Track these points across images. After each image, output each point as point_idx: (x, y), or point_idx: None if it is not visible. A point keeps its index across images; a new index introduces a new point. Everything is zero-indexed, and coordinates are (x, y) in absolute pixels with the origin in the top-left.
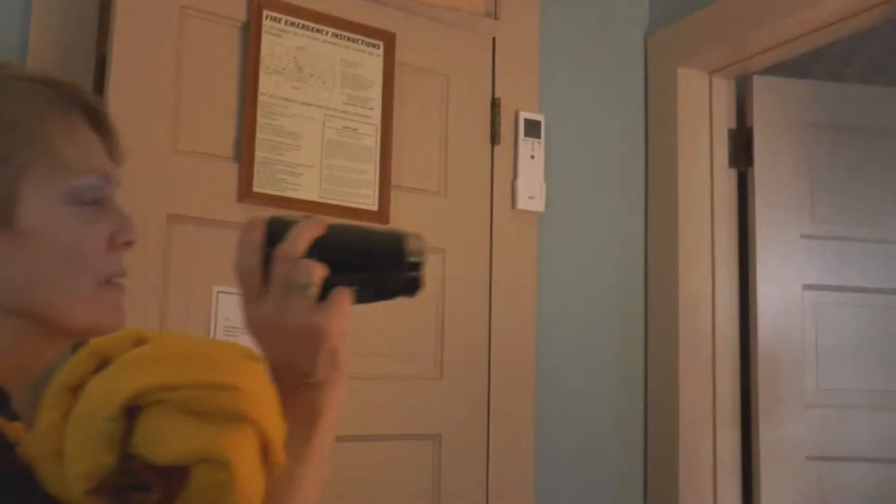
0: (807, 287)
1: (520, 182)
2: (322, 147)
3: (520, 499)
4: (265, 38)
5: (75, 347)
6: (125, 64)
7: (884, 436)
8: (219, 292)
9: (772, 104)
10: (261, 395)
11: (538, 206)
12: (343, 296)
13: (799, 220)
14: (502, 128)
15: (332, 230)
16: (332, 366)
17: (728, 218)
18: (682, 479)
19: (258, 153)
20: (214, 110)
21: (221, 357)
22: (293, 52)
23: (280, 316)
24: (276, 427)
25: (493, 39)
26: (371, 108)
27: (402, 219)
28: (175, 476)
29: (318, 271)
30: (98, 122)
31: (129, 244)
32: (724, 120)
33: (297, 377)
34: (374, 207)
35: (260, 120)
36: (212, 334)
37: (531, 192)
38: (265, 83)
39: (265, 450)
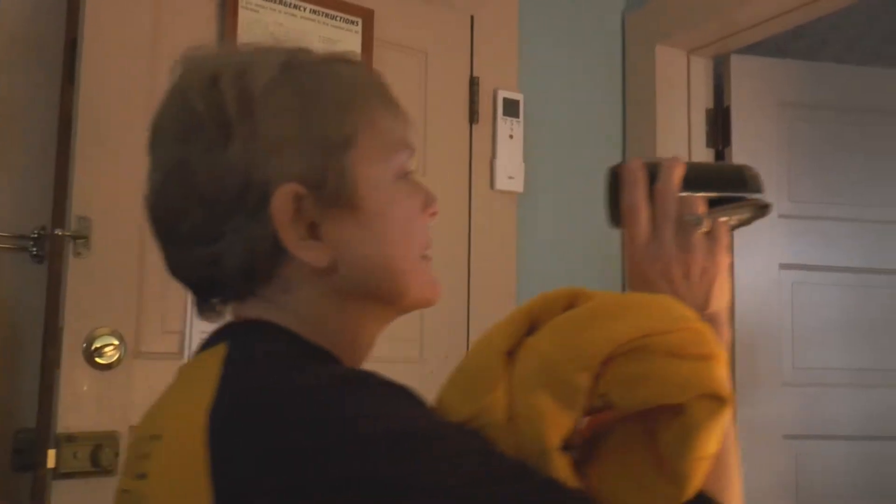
0: (784, 266)
1: (498, 162)
2: None
3: None
4: (242, 13)
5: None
6: (97, 44)
7: (860, 414)
8: None
9: (749, 84)
10: (711, 334)
11: (517, 186)
12: (724, 227)
13: (776, 200)
14: (481, 106)
15: (690, 167)
16: (720, 297)
17: None
18: None
19: None
20: None
21: (667, 304)
22: (271, 27)
23: (680, 251)
24: (721, 361)
25: (472, 17)
26: None
27: None
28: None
29: (702, 206)
30: (391, 96)
31: (435, 215)
32: (702, 99)
33: None
34: None
35: None
36: (188, 317)
37: (510, 171)
38: None
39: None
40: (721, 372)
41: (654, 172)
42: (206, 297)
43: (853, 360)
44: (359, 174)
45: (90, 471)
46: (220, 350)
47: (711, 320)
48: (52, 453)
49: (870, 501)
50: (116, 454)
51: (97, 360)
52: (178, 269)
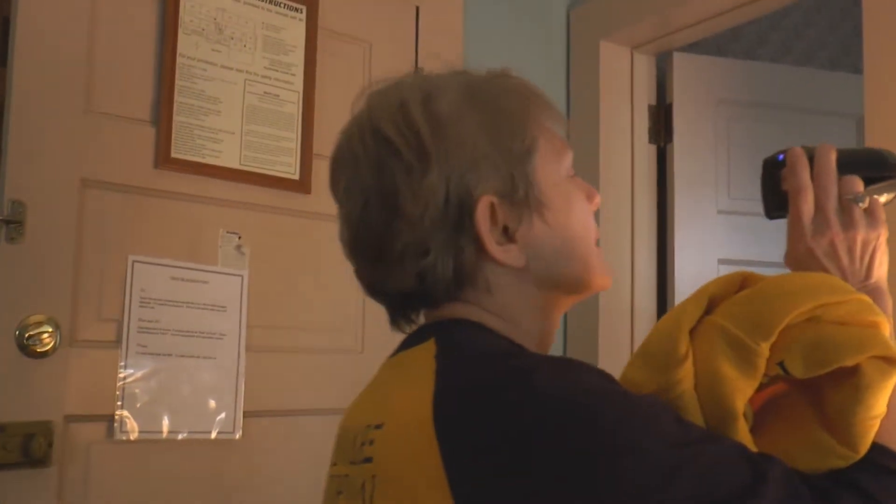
0: (722, 261)
1: None
2: (243, 113)
3: None
4: None
5: None
6: (32, 24)
7: None
8: (134, 262)
9: (691, 81)
10: (867, 301)
11: None
12: (878, 204)
13: (715, 196)
14: None
15: (840, 152)
16: (881, 268)
17: (648, 193)
18: None
19: (177, 117)
20: (130, 71)
21: (831, 280)
22: (213, 12)
23: (842, 227)
24: (887, 328)
25: (417, 8)
26: (293, 75)
27: (324, 188)
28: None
29: (860, 185)
30: (551, 102)
31: (597, 205)
32: (645, 96)
33: (854, 286)
34: (296, 176)
35: (178, 83)
36: (126, 305)
37: None
38: (184, 44)
39: None
40: (887, 336)
41: (810, 157)
42: (407, 308)
43: None
44: (541, 178)
45: (21, 461)
46: (430, 346)
47: (873, 290)
48: None
49: None
50: (50, 444)
51: (31, 347)
52: (385, 286)
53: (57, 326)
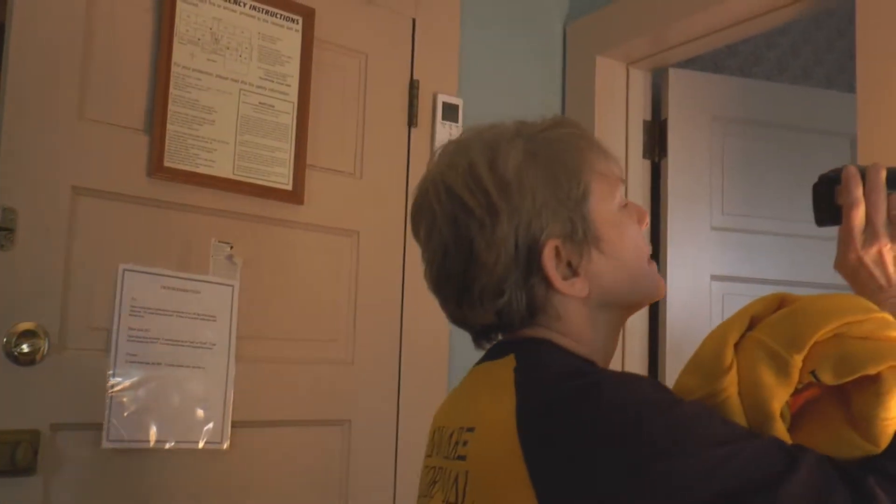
0: (715, 278)
1: None
2: (237, 123)
3: None
4: (180, 6)
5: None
6: (27, 30)
7: None
8: (125, 270)
9: (686, 97)
10: (888, 319)
11: None
12: None
13: (709, 212)
14: (420, 110)
15: (889, 170)
16: None
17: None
18: None
19: (170, 126)
20: (125, 79)
21: (856, 300)
22: (209, 22)
23: (889, 238)
24: None
25: (414, 20)
26: (288, 85)
27: (317, 199)
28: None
29: None
30: (599, 143)
31: (646, 224)
32: (640, 111)
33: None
34: (289, 187)
35: (173, 91)
36: (116, 314)
37: None
38: (179, 53)
39: None
40: None
41: (863, 174)
42: (488, 334)
43: None
44: (597, 216)
45: (6, 470)
46: (510, 361)
47: None
48: None
49: None
50: (36, 452)
51: (18, 355)
52: (467, 320)
53: (46, 334)
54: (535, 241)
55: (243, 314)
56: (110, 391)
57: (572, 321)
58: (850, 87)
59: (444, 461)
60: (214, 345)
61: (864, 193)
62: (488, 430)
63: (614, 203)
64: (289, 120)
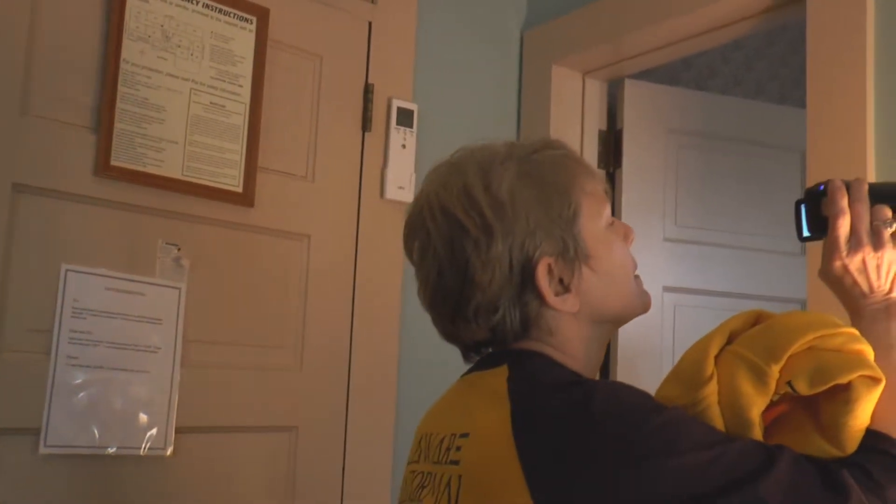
0: (667, 289)
1: (389, 171)
2: (187, 122)
3: (376, 494)
4: (130, 2)
5: None
6: None
7: None
8: (68, 270)
9: (642, 108)
10: (855, 333)
11: (407, 196)
12: None
13: (662, 223)
14: (374, 115)
15: (871, 185)
16: None
17: None
18: None
19: (118, 124)
20: (71, 75)
21: (825, 317)
22: (160, 19)
23: (872, 247)
24: (870, 354)
25: (370, 23)
26: (240, 86)
27: (268, 202)
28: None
29: (889, 212)
30: (587, 164)
31: (632, 241)
32: (596, 121)
33: (878, 301)
34: (239, 189)
35: (121, 89)
36: (57, 315)
37: (401, 181)
38: (129, 50)
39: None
40: (871, 360)
41: (847, 187)
42: (479, 349)
43: None
44: (586, 235)
45: None
46: (503, 371)
47: (891, 304)
48: None
49: None
50: None
51: None
52: (460, 337)
53: None
54: (529, 259)
55: (190, 318)
56: (50, 394)
57: (563, 335)
58: (804, 103)
59: (434, 466)
60: (159, 348)
61: (849, 204)
62: (483, 436)
63: (602, 221)
64: (240, 121)
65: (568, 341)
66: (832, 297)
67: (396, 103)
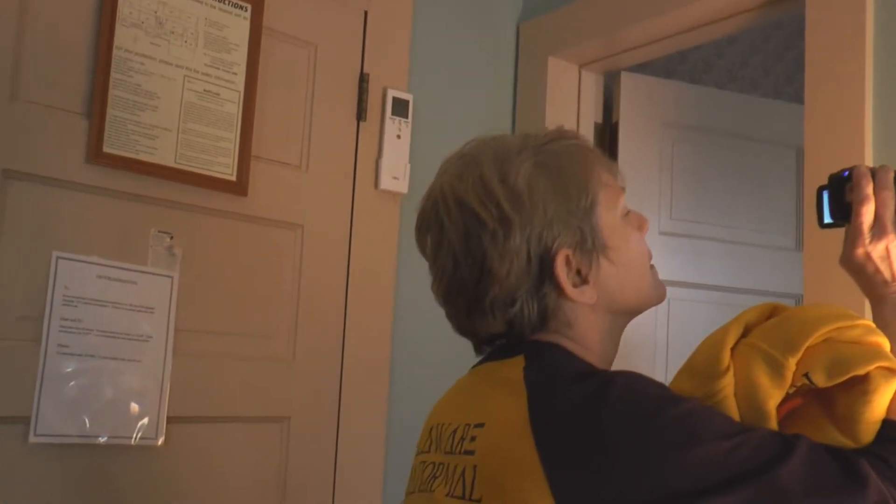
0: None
1: (384, 161)
2: (181, 110)
3: (368, 485)
4: None
5: None
6: None
7: None
8: (59, 258)
9: (637, 101)
10: (871, 325)
11: (402, 187)
12: None
13: (657, 217)
14: (369, 104)
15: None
16: None
17: None
18: None
19: (111, 111)
20: (64, 60)
21: (842, 309)
22: (154, 5)
23: None
24: (887, 346)
25: (366, 13)
26: (235, 73)
27: (261, 191)
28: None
29: None
30: (601, 154)
31: (647, 230)
32: (591, 113)
33: None
34: (233, 177)
35: (114, 75)
36: (48, 303)
37: (395, 172)
38: (122, 36)
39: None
40: (888, 352)
41: (872, 174)
42: (493, 343)
43: None
44: (603, 225)
45: None
46: (519, 361)
47: None
48: None
49: None
50: None
51: None
52: (476, 330)
53: None
54: (547, 251)
55: (182, 307)
56: (40, 383)
57: (581, 327)
58: (797, 98)
59: (446, 456)
60: (151, 337)
61: (874, 191)
62: (499, 425)
63: (618, 211)
64: (234, 109)
65: (585, 333)
66: (829, 293)
67: (392, 93)
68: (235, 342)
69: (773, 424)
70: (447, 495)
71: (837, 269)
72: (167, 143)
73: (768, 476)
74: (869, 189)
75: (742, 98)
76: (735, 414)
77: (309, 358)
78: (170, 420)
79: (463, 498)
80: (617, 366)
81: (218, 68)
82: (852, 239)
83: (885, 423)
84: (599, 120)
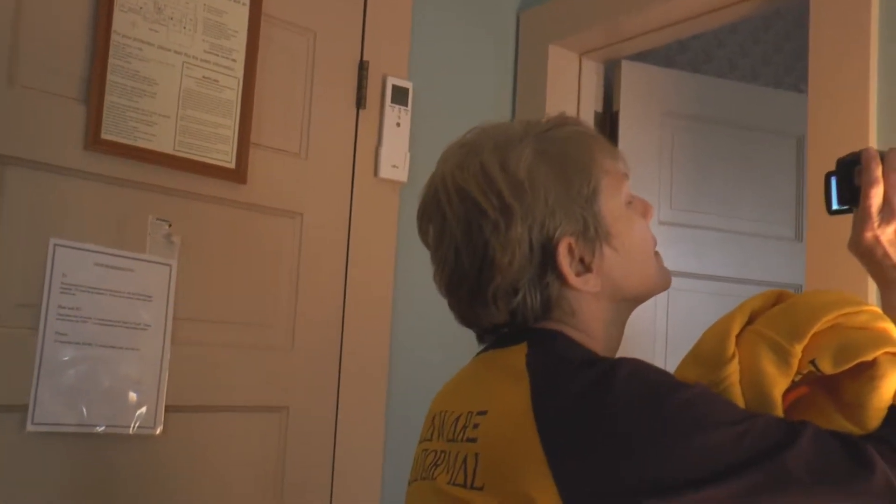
0: None
1: (383, 149)
2: (179, 96)
3: (367, 476)
4: None
5: None
6: None
7: None
8: (56, 245)
9: (638, 90)
10: (878, 311)
11: (401, 175)
12: None
13: (657, 206)
14: (369, 92)
15: None
16: None
17: None
18: None
19: (108, 97)
20: (61, 45)
21: (848, 295)
22: None
23: None
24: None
25: (365, 0)
26: (234, 60)
27: (260, 179)
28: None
29: None
30: (605, 140)
31: (651, 217)
32: (592, 102)
33: None
34: (231, 165)
35: (112, 61)
36: (45, 290)
37: (395, 160)
38: (120, 21)
39: None
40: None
41: (881, 157)
42: (495, 333)
43: None
44: (606, 213)
45: None
46: (522, 348)
47: None
48: None
49: None
50: None
51: None
52: (479, 321)
53: None
54: (549, 239)
55: (180, 295)
56: (37, 371)
57: (584, 316)
58: (798, 88)
59: (448, 444)
60: (149, 326)
61: (884, 173)
62: (502, 413)
63: (622, 198)
64: (233, 96)
65: (589, 321)
66: (831, 283)
67: (391, 81)
68: (234, 331)
69: (779, 412)
70: (449, 483)
71: (839, 258)
72: (166, 129)
73: (775, 462)
74: (878, 171)
75: (743, 87)
76: (741, 402)
77: (308, 347)
78: (168, 409)
79: (464, 486)
80: (615, 356)
81: (217, 55)
82: (861, 222)
83: (892, 408)
84: (600, 109)
